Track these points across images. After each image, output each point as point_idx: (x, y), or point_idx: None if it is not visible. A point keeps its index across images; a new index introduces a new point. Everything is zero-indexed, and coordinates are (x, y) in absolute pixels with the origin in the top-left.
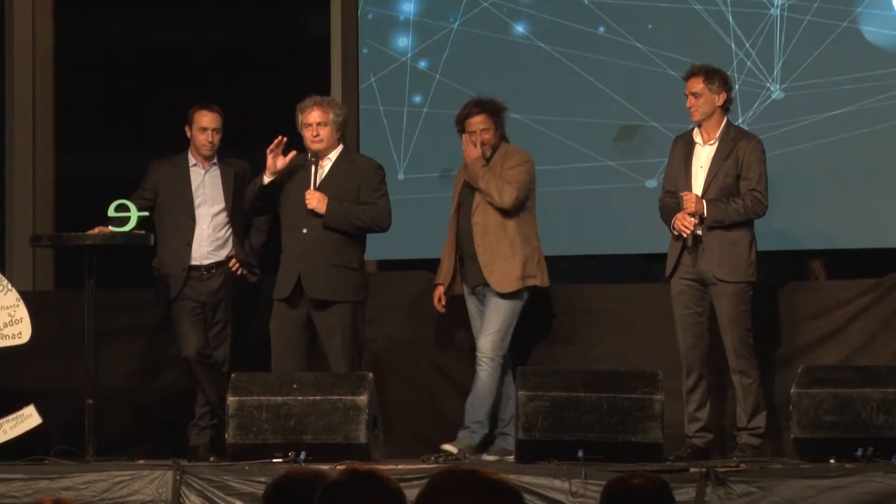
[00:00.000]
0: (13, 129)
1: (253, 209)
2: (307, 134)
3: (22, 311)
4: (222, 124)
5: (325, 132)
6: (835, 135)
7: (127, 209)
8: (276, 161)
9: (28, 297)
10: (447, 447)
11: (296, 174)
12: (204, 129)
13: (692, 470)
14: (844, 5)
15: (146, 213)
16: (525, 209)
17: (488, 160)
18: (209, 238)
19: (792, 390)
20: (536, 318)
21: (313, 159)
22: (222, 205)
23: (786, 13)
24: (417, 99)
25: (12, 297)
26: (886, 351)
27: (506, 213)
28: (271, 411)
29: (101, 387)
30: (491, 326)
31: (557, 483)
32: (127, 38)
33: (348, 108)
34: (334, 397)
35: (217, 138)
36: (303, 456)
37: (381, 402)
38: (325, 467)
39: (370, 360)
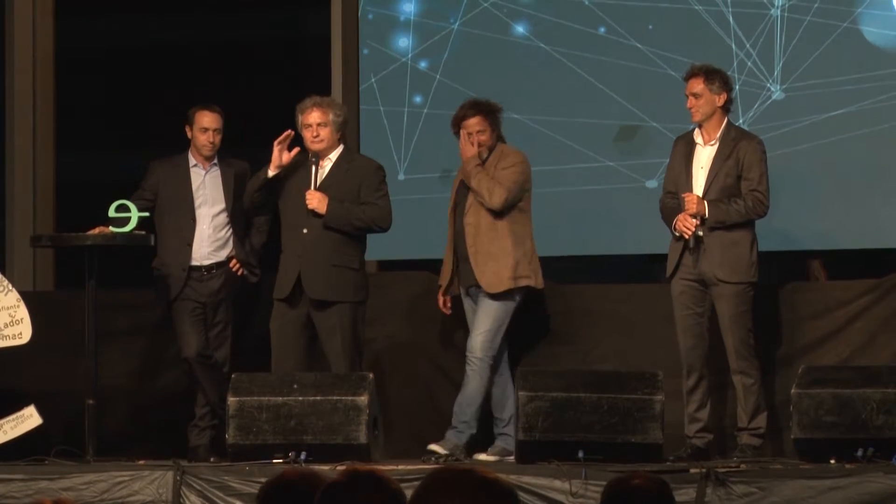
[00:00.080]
0: (13, 129)
1: (252, 204)
2: (307, 134)
3: (22, 312)
4: (223, 124)
5: (324, 133)
6: (835, 135)
7: (127, 209)
8: (282, 155)
9: (28, 298)
10: (434, 447)
11: (296, 174)
12: (205, 130)
13: (692, 470)
14: (845, 6)
15: (146, 214)
16: (518, 209)
17: (484, 161)
18: (209, 238)
19: (792, 391)
20: (537, 319)
21: (314, 159)
22: (223, 205)
23: (786, 13)
24: (418, 99)
25: (13, 297)
26: (886, 351)
27: (497, 213)
28: (272, 412)
29: (102, 387)
30: (481, 326)
31: (558, 483)
32: (127, 39)
33: (349, 109)
34: (334, 398)
35: (218, 139)
36: (303, 456)
37: (382, 403)
38: (325, 468)
39: (370, 361)
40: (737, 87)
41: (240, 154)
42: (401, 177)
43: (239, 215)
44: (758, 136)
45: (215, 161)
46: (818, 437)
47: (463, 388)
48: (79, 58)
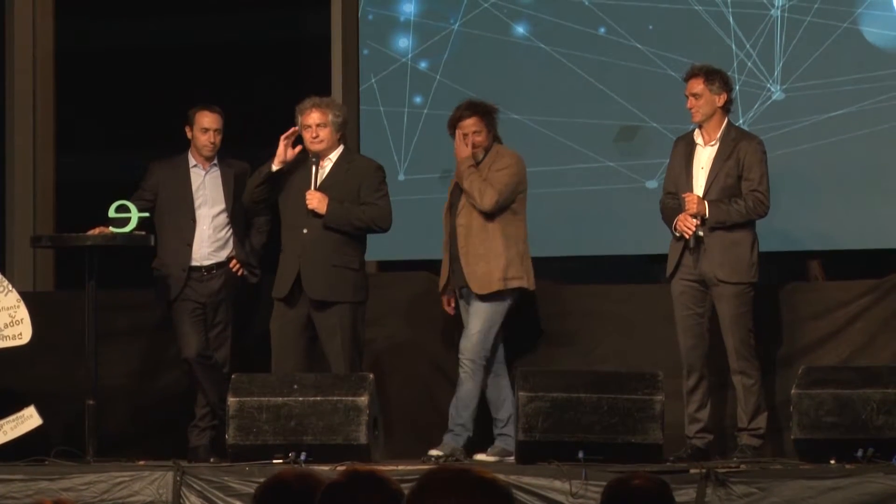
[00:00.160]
0: (13, 129)
1: (253, 199)
2: (307, 135)
3: (22, 312)
4: (223, 125)
5: (324, 133)
6: (835, 136)
7: (127, 210)
8: (287, 150)
9: (28, 298)
10: (434, 452)
11: (297, 174)
12: (205, 130)
13: (692, 471)
14: (845, 6)
15: (146, 214)
16: (511, 211)
17: (480, 162)
18: (210, 239)
19: (792, 391)
20: (536, 319)
21: (314, 160)
22: (223, 205)
23: (786, 14)
24: (418, 100)
25: (13, 297)
26: (886, 351)
27: (488, 215)
28: (272, 412)
29: (102, 387)
30: (472, 328)
31: (558, 484)
32: (127, 39)
33: (348, 109)
34: (335, 398)
35: (218, 139)
36: (303, 457)
37: (382, 403)
38: (325, 468)
39: (370, 361)
40: (737, 87)
41: (240, 154)
42: (401, 177)
43: (239, 216)
44: (758, 136)
45: (215, 161)
46: (818, 437)
47: (457, 391)
48: (79, 58)
